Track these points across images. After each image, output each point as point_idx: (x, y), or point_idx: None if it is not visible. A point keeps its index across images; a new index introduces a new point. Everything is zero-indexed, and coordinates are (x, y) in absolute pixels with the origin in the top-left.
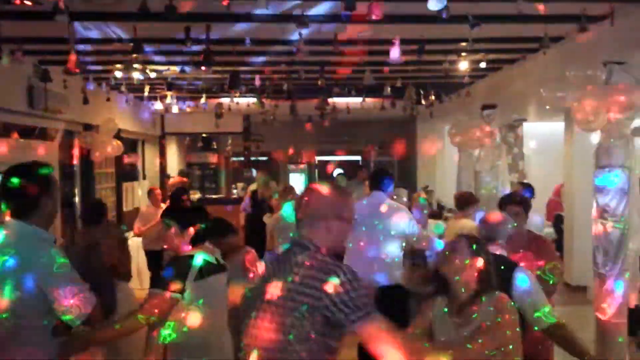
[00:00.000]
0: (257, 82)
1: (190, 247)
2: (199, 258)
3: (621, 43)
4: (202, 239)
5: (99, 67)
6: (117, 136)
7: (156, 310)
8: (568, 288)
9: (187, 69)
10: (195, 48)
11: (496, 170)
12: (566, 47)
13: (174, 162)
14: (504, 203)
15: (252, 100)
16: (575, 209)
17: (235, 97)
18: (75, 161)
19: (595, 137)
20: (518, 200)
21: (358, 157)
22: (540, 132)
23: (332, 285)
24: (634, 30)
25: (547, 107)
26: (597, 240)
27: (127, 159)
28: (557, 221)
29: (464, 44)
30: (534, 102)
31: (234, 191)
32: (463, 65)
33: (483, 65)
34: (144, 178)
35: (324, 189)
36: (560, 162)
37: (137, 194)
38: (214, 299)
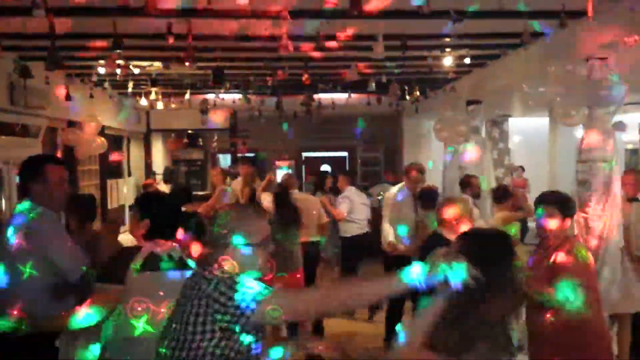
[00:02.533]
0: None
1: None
2: (144, 251)
3: (602, 39)
4: (158, 233)
5: (82, 63)
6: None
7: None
8: None
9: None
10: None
11: (481, 166)
12: (548, 42)
13: (159, 158)
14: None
15: (238, 96)
16: None
17: (221, 93)
18: None
19: (581, 132)
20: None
21: (345, 153)
22: (526, 127)
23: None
24: (615, 26)
25: (530, 102)
26: (580, 234)
27: None
28: None
29: (447, 39)
30: (517, 97)
31: None
32: (447, 61)
33: (467, 61)
34: (129, 175)
35: (230, 208)
36: (546, 157)
37: (122, 191)
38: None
